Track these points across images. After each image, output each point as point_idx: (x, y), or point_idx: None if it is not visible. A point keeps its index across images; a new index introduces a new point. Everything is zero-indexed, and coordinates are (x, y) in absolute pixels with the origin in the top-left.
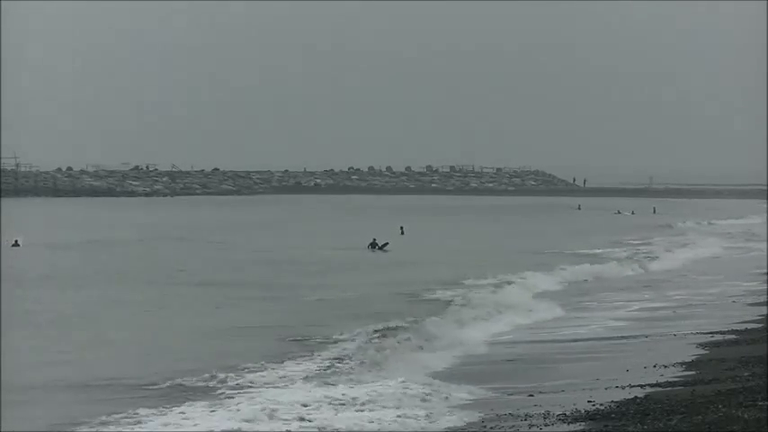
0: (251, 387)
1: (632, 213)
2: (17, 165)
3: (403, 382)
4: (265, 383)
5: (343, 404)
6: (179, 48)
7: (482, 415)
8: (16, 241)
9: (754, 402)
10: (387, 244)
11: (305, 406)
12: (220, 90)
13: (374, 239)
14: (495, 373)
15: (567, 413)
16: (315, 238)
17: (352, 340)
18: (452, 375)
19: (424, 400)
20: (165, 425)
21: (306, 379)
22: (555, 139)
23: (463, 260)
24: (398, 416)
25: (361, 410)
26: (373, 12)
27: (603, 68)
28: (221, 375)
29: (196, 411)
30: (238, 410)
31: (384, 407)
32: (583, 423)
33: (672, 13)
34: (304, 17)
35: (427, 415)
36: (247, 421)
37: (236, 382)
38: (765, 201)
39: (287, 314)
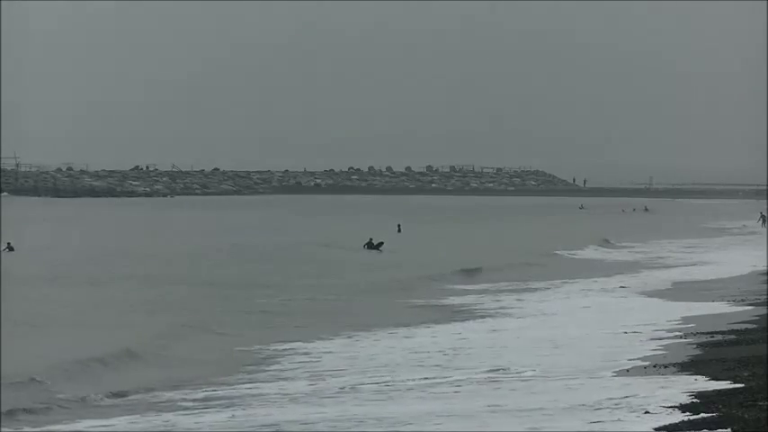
0: None
1: (623, 211)
2: (17, 165)
3: None
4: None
5: None
6: (179, 47)
7: None
8: (9, 244)
9: (754, 402)
10: (381, 243)
11: None
12: (220, 90)
13: (371, 239)
14: None
15: None
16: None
17: None
18: None
19: None
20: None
21: None
22: (555, 139)
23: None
24: None
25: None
26: (371, 11)
27: (603, 68)
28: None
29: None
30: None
31: None
32: None
33: (672, 13)
34: (302, 16)
35: None
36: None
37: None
38: (766, 201)
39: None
